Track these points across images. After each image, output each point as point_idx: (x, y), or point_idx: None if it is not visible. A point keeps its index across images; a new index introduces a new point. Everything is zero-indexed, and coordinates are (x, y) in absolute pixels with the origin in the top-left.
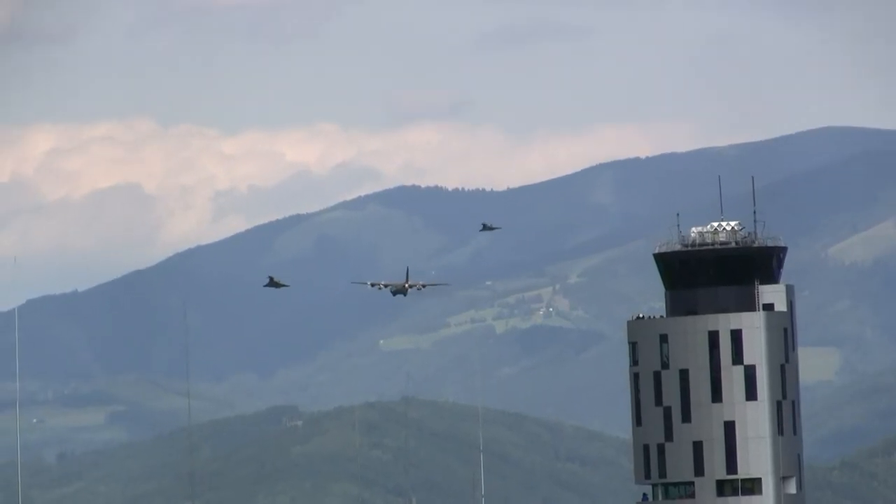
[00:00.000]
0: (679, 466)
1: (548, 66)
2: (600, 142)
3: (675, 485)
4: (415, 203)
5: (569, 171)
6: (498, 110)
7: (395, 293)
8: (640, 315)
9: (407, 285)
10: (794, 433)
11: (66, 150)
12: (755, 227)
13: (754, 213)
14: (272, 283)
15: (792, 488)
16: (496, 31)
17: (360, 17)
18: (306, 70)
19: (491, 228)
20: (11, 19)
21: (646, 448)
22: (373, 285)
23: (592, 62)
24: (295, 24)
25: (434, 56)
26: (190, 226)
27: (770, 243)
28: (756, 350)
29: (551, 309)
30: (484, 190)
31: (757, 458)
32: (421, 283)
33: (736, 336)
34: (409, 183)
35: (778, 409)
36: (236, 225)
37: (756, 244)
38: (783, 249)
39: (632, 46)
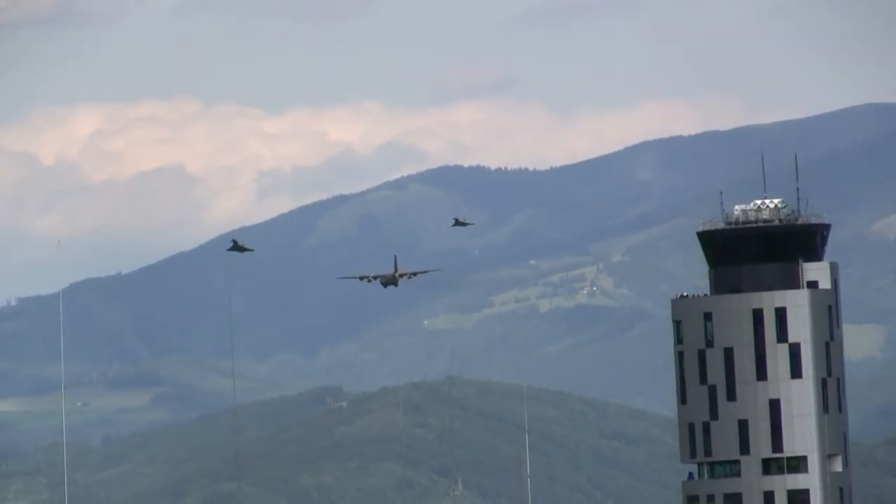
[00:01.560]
0: (724, 445)
1: (593, 41)
2: (645, 118)
3: (721, 463)
4: (457, 182)
5: (613, 148)
6: (543, 87)
7: (385, 284)
8: (685, 293)
9: (397, 275)
10: (840, 411)
11: (111, 131)
12: (798, 204)
13: (797, 190)
14: (236, 247)
15: (838, 466)
16: (541, 7)
17: None
18: (350, 48)
19: (463, 224)
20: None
21: (691, 426)
22: (362, 278)
23: (638, 37)
24: (339, 3)
25: (479, 33)
26: (234, 206)
27: (813, 220)
28: (801, 328)
29: (595, 287)
30: (527, 169)
31: (802, 435)
32: (410, 271)
33: (780, 314)
34: (452, 162)
35: (823, 386)
36: (280, 205)
37: (799, 221)
38: (827, 226)
39: (678, 22)
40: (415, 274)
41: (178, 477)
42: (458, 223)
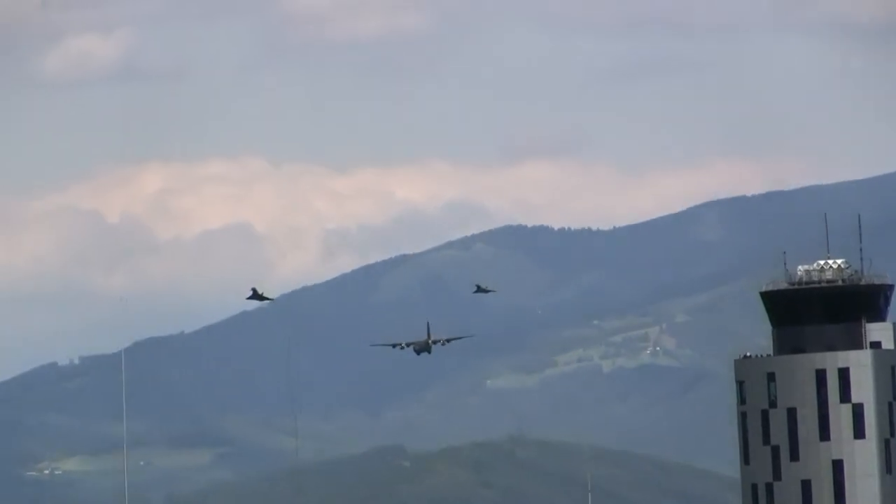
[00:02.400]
0: None
1: (661, 100)
2: (710, 178)
3: None
4: (521, 242)
5: (677, 208)
6: (611, 146)
7: (418, 352)
8: (748, 353)
9: (430, 342)
10: None
11: (178, 190)
12: (861, 264)
13: (860, 250)
14: (255, 296)
15: None
16: (610, 66)
17: (474, 53)
18: (418, 106)
19: (485, 291)
20: (124, 56)
21: (754, 487)
22: (395, 346)
23: (706, 96)
24: (408, 61)
25: (547, 92)
26: (299, 265)
27: (877, 281)
28: (864, 388)
29: (658, 348)
30: (590, 229)
31: (865, 496)
32: (444, 337)
33: (843, 374)
34: (518, 220)
35: (886, 447)
36: (345, 264)
37: (863, 282)
38: (890, 287)
39: (745, 81)
40: (448, 340)
41: None
42: (479, 290)
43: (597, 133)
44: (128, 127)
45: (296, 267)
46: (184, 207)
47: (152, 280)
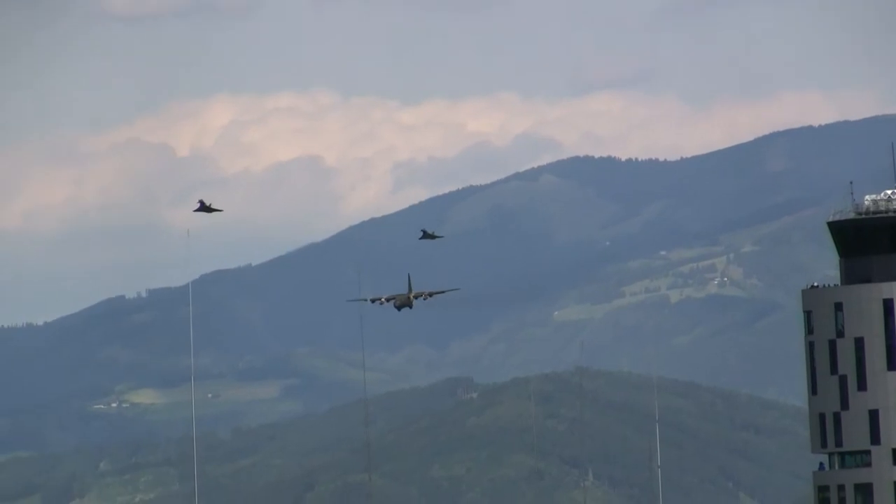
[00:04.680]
0: (855, 435)
1: (730, 32)
2: (778, 109)
3: (852, 453)
4: (588, 173)
5: (745, 139)
6: (680, 78)
7: (399, 307)
8: (815, 284)
9: (412, 296)
10: None
11: (246, 122)
12: None
13: None
14: (203, 208)
15: None
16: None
17: None
18: (488, 39)
19: (432, 237)
20: None
21: (821, 417)
22: (373, 301)
23: (775, 28)
24: None
25: (617, 24)
26: (369, 198)
27: None
28: None
29: (725, 278)
30: (657, 160)
31: None
32: (427, 291)
33: None
34: (586, 152)
35: None
36: (414, 196)
37: None
38: None
39: (814, 12)
40: (431, 294)
41: (308, 468)
42: (425, 235)
43: (665, 65)
44: (197, 60)
45: (365, 199)
46: (253, 140)
47: (220, 213)
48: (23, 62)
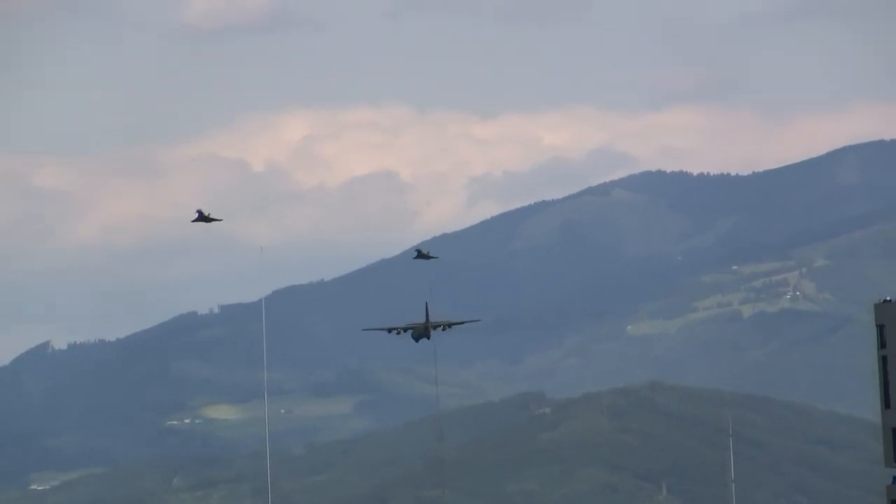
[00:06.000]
0: None
1: (807, 45)
2: (851, 122)
3: None
4: (660, 188)
5: (818, 152)
6: (755, 91)
7: (416, 337)
8: (888, 298)
9: (429, 325)
10: None
11: (322, 137)
12: None
13: None
14: (202, 218)
15: None
16: (755, 10)
17: None
18: (564, 52)
19: (427, 257)
20: (270, 3)
21: (894, 431)
22: (390, 330)
23: (852, 40)
24: (554, 6)
25: (693, 37)
26: (443, 212)
27: None
28: None
29: (798, 292)
30: (728, 174)
31: None
32: (446, 321)
33: None
34: (660, 166)
35: None
36: (487, 210)
37: None
38: None
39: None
40: (450, 325)
41: (381, 483)
42: (420, 255)
43: (741, 78)
44: (272, 74)
45: (439, 214)
46: (327, 155)
47: (294, 228)
48: (101, 76)
